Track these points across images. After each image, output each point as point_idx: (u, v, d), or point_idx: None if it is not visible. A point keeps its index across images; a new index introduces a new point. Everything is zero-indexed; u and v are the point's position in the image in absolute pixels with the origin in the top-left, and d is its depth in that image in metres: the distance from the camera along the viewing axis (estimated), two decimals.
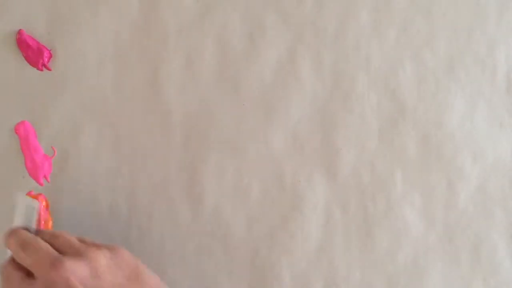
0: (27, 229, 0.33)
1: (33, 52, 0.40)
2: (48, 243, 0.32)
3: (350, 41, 0.43)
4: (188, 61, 0.41)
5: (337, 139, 0.42)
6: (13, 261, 0.32)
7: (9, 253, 0.33)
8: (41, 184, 0.40)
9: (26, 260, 0.31)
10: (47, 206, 0.38)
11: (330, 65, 0.42)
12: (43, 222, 0.36)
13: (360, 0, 0.43)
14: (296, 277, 0.41)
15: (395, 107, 0.43)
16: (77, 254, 0.31)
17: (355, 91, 0.42)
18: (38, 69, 0.40)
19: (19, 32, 0.40)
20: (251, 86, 0.42)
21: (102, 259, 0.31)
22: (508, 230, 0.44)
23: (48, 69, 0.40)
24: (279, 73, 0.42)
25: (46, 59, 0.40)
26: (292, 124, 0.42)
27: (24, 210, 0.34)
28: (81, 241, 0.33)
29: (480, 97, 0.44)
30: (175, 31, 0.41)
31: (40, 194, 0.38)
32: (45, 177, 0.40)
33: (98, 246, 0.32)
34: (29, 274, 0.31)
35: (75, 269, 0.29)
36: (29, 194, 0.37)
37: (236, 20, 0.42)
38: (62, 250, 0.31)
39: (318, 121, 0.42)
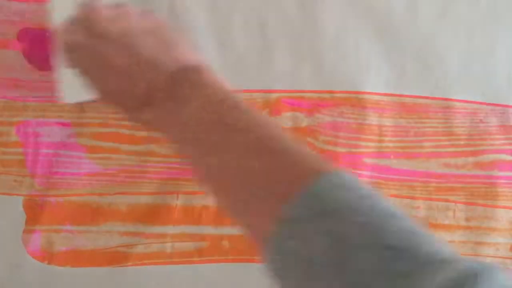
0: None
1: (34, 52, 0.40)
2: None
3: (350, 42, 0.43)
4: None
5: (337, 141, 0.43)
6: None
7: None
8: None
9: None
10: None
11: (330, 65, 0.42)
12: None
13: (361, 0, 0.43)
14: None
15: (395, 107, 0.43)
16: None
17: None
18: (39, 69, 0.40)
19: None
20: None
21: (132, 11, 0.32)
22: None
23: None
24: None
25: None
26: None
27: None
28: None
29: (481, 97, 0.44)
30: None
31: None
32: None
33: None
34: None
35: (102, 10, 0.31)
36: None
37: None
38: None
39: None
